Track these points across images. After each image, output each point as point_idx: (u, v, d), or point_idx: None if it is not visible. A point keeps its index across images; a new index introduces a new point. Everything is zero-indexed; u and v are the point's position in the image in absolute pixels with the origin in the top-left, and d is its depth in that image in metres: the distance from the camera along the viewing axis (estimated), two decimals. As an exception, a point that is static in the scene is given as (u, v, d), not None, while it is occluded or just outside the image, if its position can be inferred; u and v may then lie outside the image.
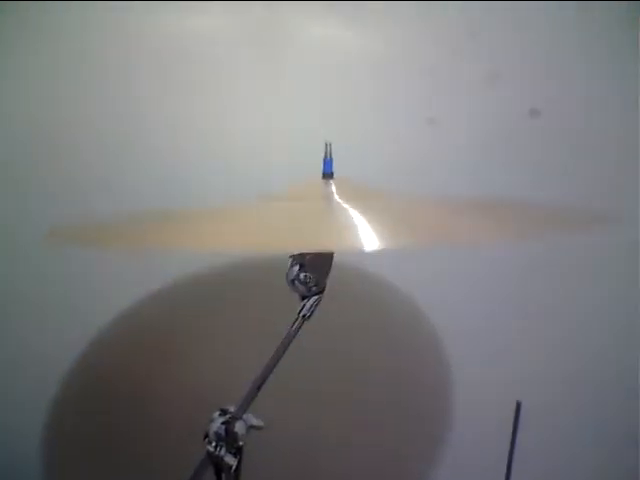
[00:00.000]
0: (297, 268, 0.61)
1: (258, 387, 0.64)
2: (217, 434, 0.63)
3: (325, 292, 0.61)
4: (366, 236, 0.48)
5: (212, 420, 0.63)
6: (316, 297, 0.62)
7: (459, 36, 0.79)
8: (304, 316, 0.62)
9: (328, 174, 0.63)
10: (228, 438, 0.63)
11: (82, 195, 0.81)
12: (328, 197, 0.60)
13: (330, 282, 0.60)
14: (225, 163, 0.82)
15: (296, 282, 0.61)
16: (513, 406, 0.64)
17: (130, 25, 0.78)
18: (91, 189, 0.81)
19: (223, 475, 0.63)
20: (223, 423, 0.63)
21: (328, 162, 0.62)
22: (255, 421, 0.65)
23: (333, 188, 0.61)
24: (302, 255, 0.60)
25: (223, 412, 0.64)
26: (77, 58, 0.79)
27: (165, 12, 0.79)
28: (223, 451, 0.62)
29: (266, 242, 0.48)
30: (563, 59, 0.81)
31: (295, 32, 0.81)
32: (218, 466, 0.62)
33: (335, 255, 0.60)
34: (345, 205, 0.56)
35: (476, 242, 0.50)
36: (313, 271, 0.61)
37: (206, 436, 0.63)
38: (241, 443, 0.63)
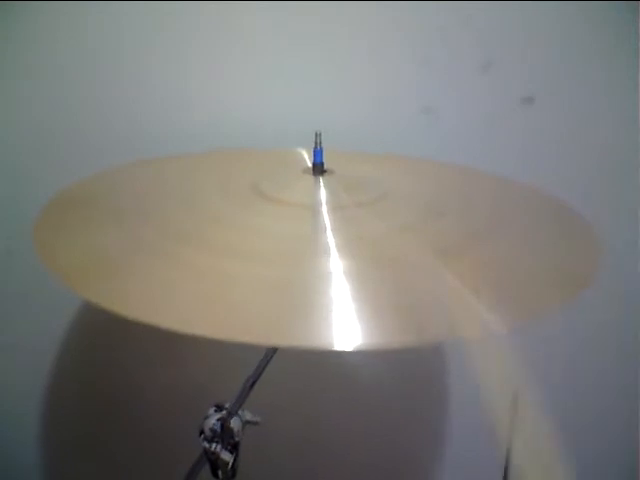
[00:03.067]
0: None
1: (253, 382, 0.63)
2: (213, 430, 0.62)
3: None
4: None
5: (207, 416, 0.63)
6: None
7: (453, 23, 0.77)
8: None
9: (318, 164, 0.61)
10: (224, 434, 0.62)
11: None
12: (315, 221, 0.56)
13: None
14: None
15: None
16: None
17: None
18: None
19: (220, 472, 0.62)
20: (218, 419, 0.62)
21: (318, 152, 0.61)
22: (251, 416, 0.65)
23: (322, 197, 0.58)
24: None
25: (218, 408, 0.63)
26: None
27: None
28: (219, 448, 0.62)
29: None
30: (559, 47, 0.80)
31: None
32: (214, 463, 0.62)
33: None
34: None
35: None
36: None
37: (201, 432, 0.62)
38: (237, 439, 0.63)
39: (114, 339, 0.85)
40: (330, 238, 0.52)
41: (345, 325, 0.42)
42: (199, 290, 0.46)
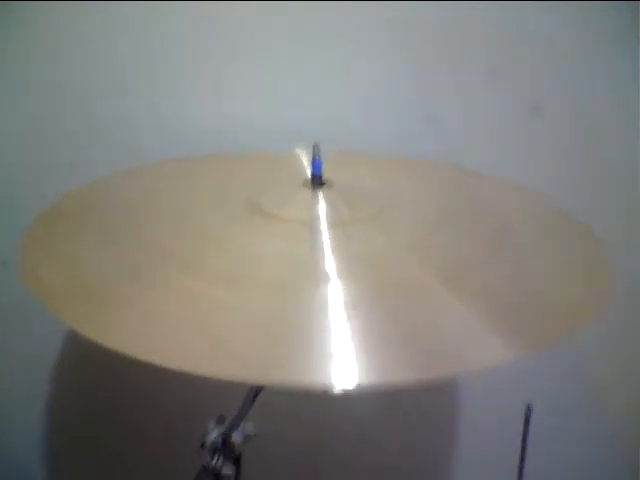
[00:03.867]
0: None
1: (256, 394, 0.63)
2: (214, 444, 0.62)
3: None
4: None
5: (208, 429, 0.62)
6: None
7: (458, 34, 0.74)
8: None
9: (317, 177, 0.60)
10: (225, 447, 0.62)
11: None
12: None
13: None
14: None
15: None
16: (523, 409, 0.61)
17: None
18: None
19: (222, 486, 0.62)
20: (220, 433, 0.62)
21: (317, 164, 0.59)
22: (253, 430, 0.64)
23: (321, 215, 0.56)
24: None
25: (219, 421, 0.63)
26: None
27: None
28: (221, 461, 0.61)
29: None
30: (564, 56, 0.77)
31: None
32: (216, 477, 0.62)
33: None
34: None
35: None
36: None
37: (202, 446, 0.62)
38: (239, 452, 0.62)
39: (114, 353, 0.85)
40: (329, 260, 0.51)
41: (343, 363, 0.40)
42: (182, 320, 0.44)
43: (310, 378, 0.40)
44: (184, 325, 0.44)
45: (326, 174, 0.60)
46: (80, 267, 0.51)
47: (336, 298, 0.46)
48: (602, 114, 0.80)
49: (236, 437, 0.62)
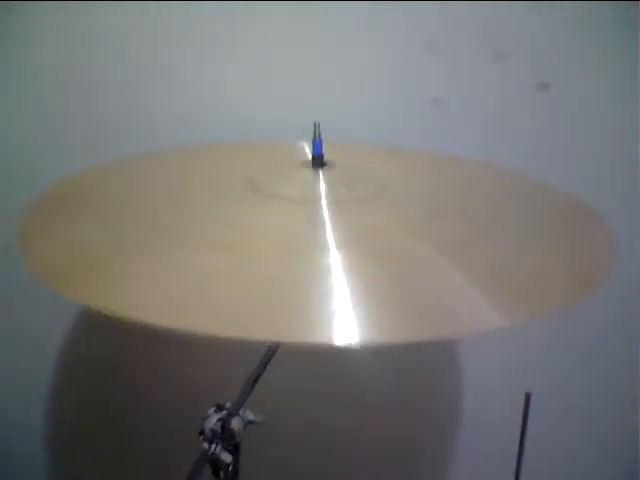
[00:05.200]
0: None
1: (255, 379, 0.62)
2: (213, 431, 0.60)
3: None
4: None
5: (207, 416, 0.61)
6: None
7: (463, 13, 0.74)
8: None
9: (318, 156, 0.59)
10: (224, 435, 0.60)
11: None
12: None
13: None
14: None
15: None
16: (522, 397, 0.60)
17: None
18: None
19: (221, 473, 0.61)
20: (219, 420, 0.61)
21: (317, 143, 0.59)
22: (252, 416, 0.63)
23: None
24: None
25: (219, 408, 0.62)
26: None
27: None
28: (219, 448, 0.60)
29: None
30: (571, 35, 0.77)
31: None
32: (215, 464, 0.60)
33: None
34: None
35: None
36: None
37: (201, 433, 0.61)
38: (238, 440, 0.61)
39: (114, 338, 0.84)
40: (329, 233, 0.50)
41: (344, 321, 0.40)
42: (191, 287, 0.44)
43: (312, 335, 0.39)
44: (192, 292, 0.44)
45: (327, 155, 0.59)
46: (82, 247, 0.51)
47: (336, 263, 0.46)
48: (604, 104, 0.79)
49: (236, 423, 0.61)
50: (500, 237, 0.53)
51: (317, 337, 0.39)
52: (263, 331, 0.40)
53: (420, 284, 0.45)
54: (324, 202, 0.55)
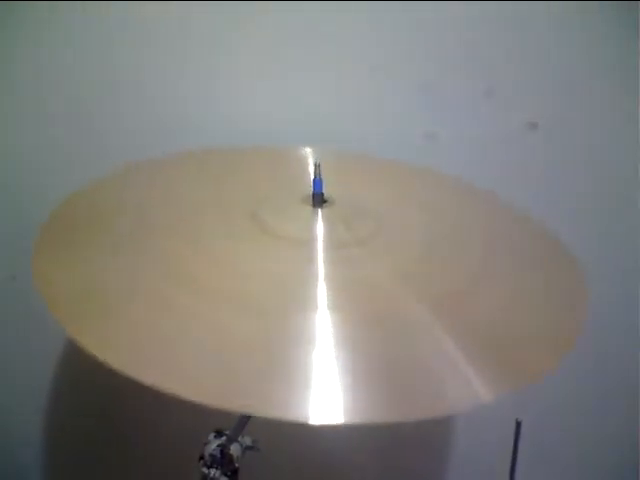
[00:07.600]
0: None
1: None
2: (212, 456, 0.62)
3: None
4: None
5: (207, 442, 0.63)
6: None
7: (456, 50, 0.74)
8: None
9: (318, 195, 0.60)
10: (224, 460, 0.62)
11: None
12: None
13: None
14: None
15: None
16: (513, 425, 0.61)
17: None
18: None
19: (220, 498, 0.63)
20: (218, 445, 0.63)
21: (317, 182, 0.60)
22: (251, 442, 0.65)
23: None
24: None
25: (218, 434, 0.64)
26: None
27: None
28: (218, 473, 0.62)
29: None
30: (562, 72, 0.75)
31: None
32: (214, 488, 0.63)
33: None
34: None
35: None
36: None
37: (201, 458, 0.63)
38: (237, 465, 0.63)
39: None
40: (321, 287, 0.50)
41: (325, 397, 0.40)
42: (159, 342, 0.44)
43: (289, 410, 0.39)
44: (156, 348, 0.44)
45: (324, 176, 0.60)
46: (95, 289, 0.51)
47: (323, 329, 0.46)
48: (601, 133, 0.80)
49: (234, 449, 0.63)
50: (486, 289, 0.53)
51: (291, 413, 0.38)
52: (232, 401, 0.39)
53: (408, 354, 0.44)
54: (320, 246, 0.56)
